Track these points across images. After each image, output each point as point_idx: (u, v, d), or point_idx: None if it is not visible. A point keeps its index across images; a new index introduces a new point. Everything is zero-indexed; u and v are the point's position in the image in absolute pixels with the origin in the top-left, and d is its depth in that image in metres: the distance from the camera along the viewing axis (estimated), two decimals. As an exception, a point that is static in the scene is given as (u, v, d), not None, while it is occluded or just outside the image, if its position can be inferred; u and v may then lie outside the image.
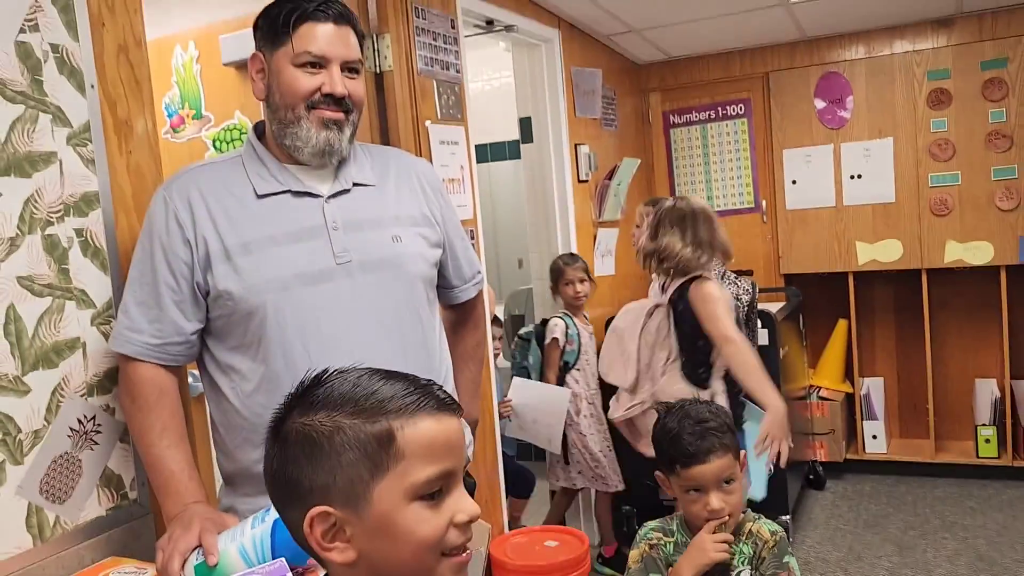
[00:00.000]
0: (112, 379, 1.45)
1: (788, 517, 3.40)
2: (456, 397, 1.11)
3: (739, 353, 2.48)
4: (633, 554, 1.63)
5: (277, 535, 1.17)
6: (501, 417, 3.07)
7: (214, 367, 1.44)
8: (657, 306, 2.78)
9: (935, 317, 4.24)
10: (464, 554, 0.80)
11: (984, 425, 4.16)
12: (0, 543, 1.27)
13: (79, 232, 1.42)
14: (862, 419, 4.32)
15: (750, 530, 1.60)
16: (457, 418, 0.82)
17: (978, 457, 4.15)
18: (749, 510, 1.64)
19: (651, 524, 1.65)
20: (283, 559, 1.15)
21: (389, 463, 0.77)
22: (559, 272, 3.41)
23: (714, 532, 1.54)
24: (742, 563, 1.57)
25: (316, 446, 0.77)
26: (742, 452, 1.64)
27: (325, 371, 0.83)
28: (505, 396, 3.20)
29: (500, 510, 2.91)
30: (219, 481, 1.54)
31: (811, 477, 4.16)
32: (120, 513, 1.46)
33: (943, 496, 3.97)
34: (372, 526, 0.77)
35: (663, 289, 2.74)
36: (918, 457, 4.26)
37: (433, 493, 0.78)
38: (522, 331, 3.54)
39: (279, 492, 0.81)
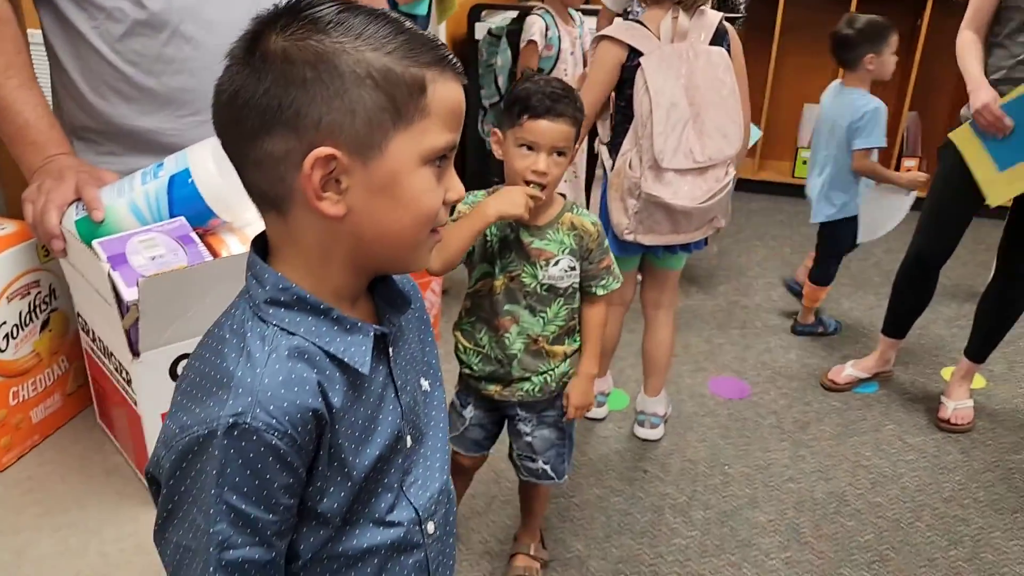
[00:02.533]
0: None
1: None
2: None
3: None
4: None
5: (174, 192, 1.05)
6: None
7: None
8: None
9: (783, 39, 4.33)
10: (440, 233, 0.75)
11: (804, 148, 4.47)
12: None
13: None
14: (698, 134, 4.50)
15: (572, 222, 1.59)
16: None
17: (793, 176, 4.51)
18: (574, 202, 1.65)
19: (478, 192, 1.61)
20: (183, 218, 1.05)
21: (414, 117, 0.66)
22: None
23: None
24: (563, 252, 1.59)
25: (336, 75, 0.64)
26: None
27: None
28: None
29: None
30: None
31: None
32: (-42, 162, 1.26)
33: (758, 209, 4.32)
34: (377, 182, 0.67)
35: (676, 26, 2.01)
36: (741, 174, 4.53)
37: (439, 162, 0.70)
38: (493, 26, 3.09)
39: (257, 118, 0.65)
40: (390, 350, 0.77)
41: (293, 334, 0.69)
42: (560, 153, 1.53)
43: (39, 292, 1.15)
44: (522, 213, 1.50)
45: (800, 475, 2.31)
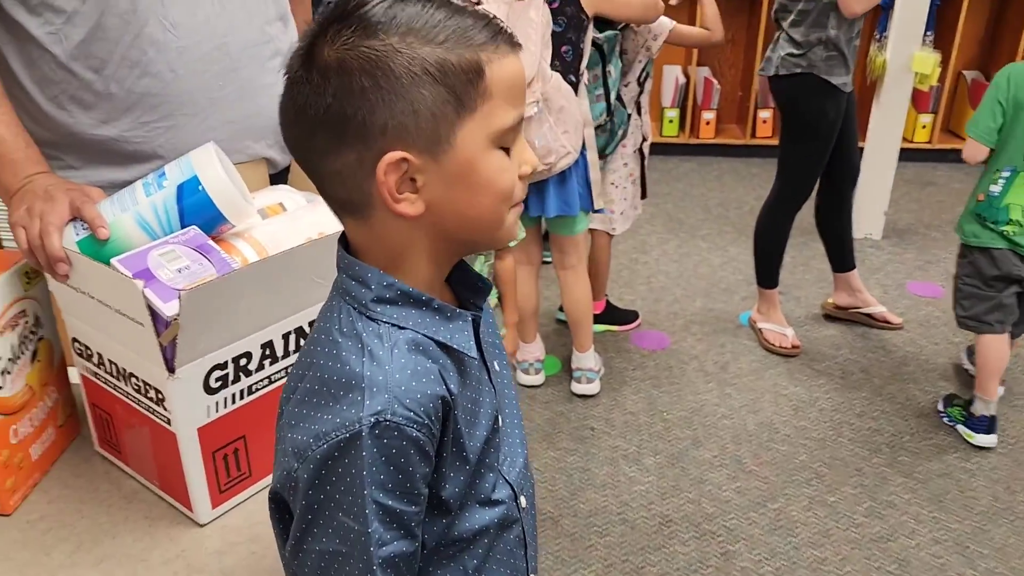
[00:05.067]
0: None
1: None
2: None
3: None
4: None
5: (184, 200, 1.02)
6: None
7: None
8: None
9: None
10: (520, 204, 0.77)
11: (669, 107, 4.69)
12: None
13: None
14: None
15: None
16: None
17: (662, 136, 4.71)
18: None
19: None
20: (195, 227, 1.02)
21: (476, 103, 0.67)
22: None
23: None
24: None
25: (392, 78, 0.64)
26: None
27: None
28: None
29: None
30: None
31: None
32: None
33: (634, 170, 4.50)
34: (451, 174, 0.68)
35: None
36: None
37: (509, 138, 0.70)
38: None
39: (326, 133, 0.66)
40: (480, 334, 0.80)
41: (404, 328, 0.70)
42: None
43: (26, 322, 1.09)
44: None
45: (731, 411, 2.47)
